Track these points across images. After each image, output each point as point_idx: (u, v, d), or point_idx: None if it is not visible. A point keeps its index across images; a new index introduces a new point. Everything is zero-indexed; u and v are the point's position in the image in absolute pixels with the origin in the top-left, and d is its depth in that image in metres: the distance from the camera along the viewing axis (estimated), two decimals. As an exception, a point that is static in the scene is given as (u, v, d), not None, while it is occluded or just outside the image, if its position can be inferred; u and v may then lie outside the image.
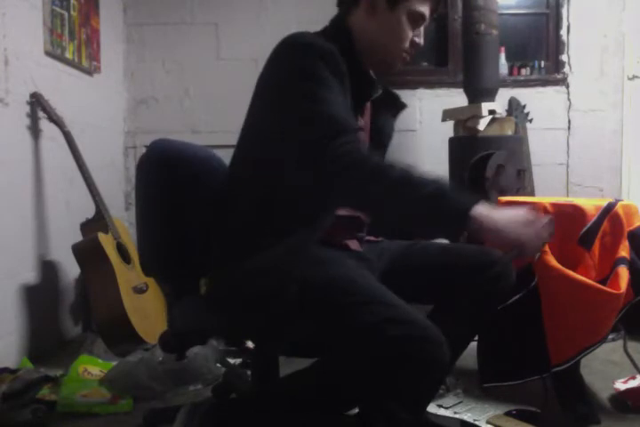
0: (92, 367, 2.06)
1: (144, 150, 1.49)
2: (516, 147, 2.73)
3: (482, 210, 1.08)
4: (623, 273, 1.62)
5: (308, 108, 1.21)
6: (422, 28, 1.39)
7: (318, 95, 1.20)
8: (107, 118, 3.20)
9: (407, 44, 1.38)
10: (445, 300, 1.43)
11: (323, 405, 1.25)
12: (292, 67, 1.25)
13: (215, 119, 3.42)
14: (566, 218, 1.66)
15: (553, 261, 1.63)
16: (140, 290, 2.41)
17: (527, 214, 1.12)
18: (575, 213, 1.65)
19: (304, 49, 1.25)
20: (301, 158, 1.22)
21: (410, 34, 1.37)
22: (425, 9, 1.36)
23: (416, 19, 1.36)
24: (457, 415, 1.75)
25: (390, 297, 1.16)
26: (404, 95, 1.59)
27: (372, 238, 1.51)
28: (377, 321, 1.09)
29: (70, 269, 2.59)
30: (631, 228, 1.71)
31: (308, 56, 1.24)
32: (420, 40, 1.39)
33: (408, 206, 1.13)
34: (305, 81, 1.22)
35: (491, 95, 2.76)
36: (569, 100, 3.48)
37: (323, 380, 1.24)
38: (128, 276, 2.40)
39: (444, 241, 1.46)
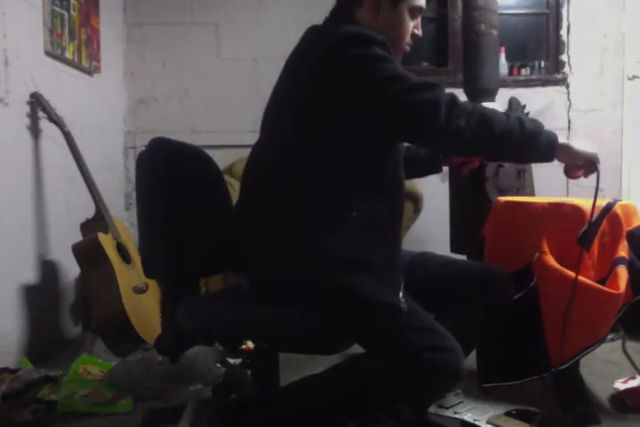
0: (92, 367, 2.06)
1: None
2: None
3: (562, 139, 1.32)
4: (622, 273, 1.62)
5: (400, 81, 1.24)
6: (419, 19, 1.44)
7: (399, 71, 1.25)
8: (107, 118, 3.21)
9: (409, 37, 1.43)
10: (446, 312, 1.46)
11: (337, 408, 1.28)
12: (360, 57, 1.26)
13: (215, 119, 3.42)
14: (566, 218, 1.66)
15: (552, 262, 1.63)
16: (140, 290, 2.41)
17: (587, 141, 1.38)
18: (575, 213, 1.65)
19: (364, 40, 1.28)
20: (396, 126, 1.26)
21: (411, 27, 1.42)
22: (423, 1, 1.41)
23: (416, 12, 1.41)
24: (457, 415, 1.75)
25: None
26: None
27: None
28: (420, 346, 1.21)
29: (70, 269, 2.59)
30: (630, 228, 1.71)
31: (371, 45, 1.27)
32: (419, 31, 1.44)
33: (519, 146, 1.29)
34: (381, 63, 1.25)
35: (491, 95, 2.75)
36: (569, 100, 3.48)
37: (342, 385, 1.28)
38: (128, 276, 2.40)
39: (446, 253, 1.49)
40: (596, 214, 1.63)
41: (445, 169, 1.81)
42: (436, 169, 1.76)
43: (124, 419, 1.81)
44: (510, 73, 3.49)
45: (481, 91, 2.73)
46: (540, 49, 3.60)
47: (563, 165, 1.39)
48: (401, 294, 1.27)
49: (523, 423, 1.66)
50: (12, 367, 2.07)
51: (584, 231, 1.60)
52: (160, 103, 3.46)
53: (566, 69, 3.48)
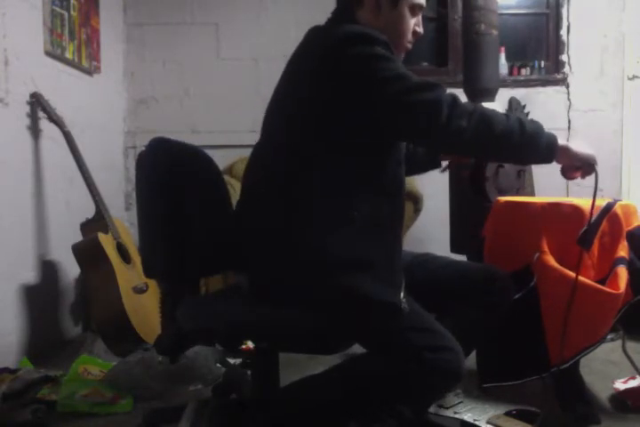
0: (92, 367, 2.06)
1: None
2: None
3: (561, 141, 1.31)
4: (622, 273, 1.62)
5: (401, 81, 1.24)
6: (420, 17, 1.44)
7: (400, 71, 1.25)
8: (107, 118, 3.21)
9: (410, 35, 1.43)
10: (446, 312, 1.46)
11: (338, 408, 1.28)
12: (362, 55, 1.26)
13: (215, 119, 3.42)
14: (565, 218, 1.66)
15: (552, 262, 1.63)
16: (140, 290, 2.41)
17: (585, 142, 1.39)
18: (574, 213, 1.65)
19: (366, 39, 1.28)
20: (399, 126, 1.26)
21: (412, 25, 1.42)
22: None
23: (416, 9, 1.41)
24: (457, 415, 1.75)
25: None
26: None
27: None
28: (420, 347, 1.20)
29: (70, 269, 2.59)
30: (630, 228, 1.71)
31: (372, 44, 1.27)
32: (421, 29, 1.44)
33: (519, 147, 1.28)
34: (382, 62, 1.25)
35: (491, 95, 2.75)
36: (569, 100, 3.48)
37: (343, 385, 1.27)
38: (128, 276, 2.40)
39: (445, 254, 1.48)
40: (595, 216, 1.63)
41: (444, 165, 1.81)
42: (435, 164, 1.76)
43: (124, 419, 1.81)
44: (510, 73, 3.49)
45: (481, 91, 2.73)
46: (540, 49, 3.60)
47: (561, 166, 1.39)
48: (402, 294, 1.27)
49: (523, 423, 1.66)
50: (12, 367, 2.07)
51: (584, 231, 1.60)
52: (160, 103, 3.46)
53: (566, 69, 3.48)
